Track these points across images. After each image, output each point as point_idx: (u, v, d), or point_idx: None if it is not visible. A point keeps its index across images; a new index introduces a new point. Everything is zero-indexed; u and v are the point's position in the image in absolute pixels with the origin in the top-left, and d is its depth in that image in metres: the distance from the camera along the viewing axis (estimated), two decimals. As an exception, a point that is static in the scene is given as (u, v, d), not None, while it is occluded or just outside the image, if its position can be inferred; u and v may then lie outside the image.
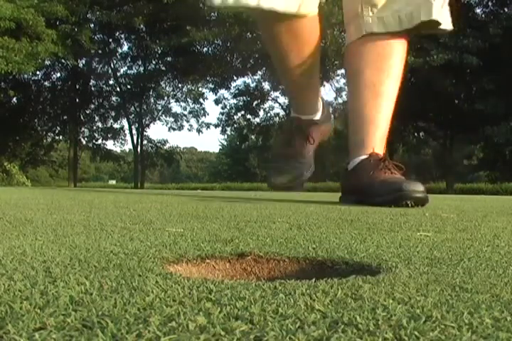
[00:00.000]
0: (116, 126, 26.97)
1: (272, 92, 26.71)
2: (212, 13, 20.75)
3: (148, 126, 26.43)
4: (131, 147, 26.55)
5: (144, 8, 21.04)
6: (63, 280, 0.49)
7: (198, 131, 28.52)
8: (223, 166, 45.69)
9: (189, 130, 38.10)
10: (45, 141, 26.32)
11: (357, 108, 2.01)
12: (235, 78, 25.26)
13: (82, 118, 25.70)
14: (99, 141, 26.74)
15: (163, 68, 25.19)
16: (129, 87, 25.76)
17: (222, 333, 0.33)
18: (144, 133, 25.97)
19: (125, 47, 28.64)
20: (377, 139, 1.97)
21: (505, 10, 20.36)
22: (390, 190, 1.80)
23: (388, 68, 1.95)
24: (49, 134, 26.44)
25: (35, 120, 25.49)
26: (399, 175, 1.92)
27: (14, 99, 24.48)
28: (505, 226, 1.20)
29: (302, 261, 0.67)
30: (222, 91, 30.34)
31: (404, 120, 22.94)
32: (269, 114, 28.54)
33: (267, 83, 26.31)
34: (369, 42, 1.96)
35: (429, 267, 0.61)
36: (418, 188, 1.80)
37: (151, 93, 26.20)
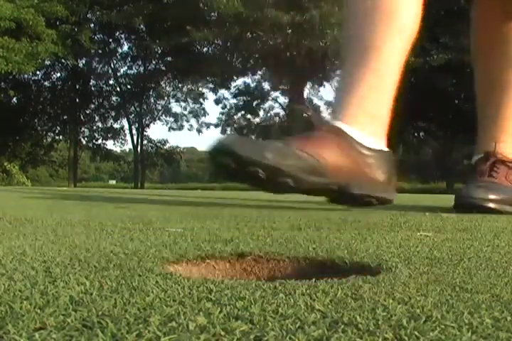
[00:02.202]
0: (116, 126, 26.99)
1: (272, 92, 26.76)
2: (213, 13, 20.75)
3: (148, 126, 26.44)
4: (131, 147, 26.58)
5: (144, 8, 21.04)
6: (63, 280, 0.49)
7: (198, 131, 28.56)
8: (223, 166, 45.49)
9: (189, 130, 38.05)
10: (45, 141, 26.31)
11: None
12: (235, 78, 25.28)
13: (82, 118, 25.70)
14: (99, 141, 26.77)
15: (163, 68, 25.19)
16: (129, 87, 25.76)
17: (222, 333, 0.33)
18: (144, 133, 25.99)
19: (125, 47, 28.63)
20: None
21: (506, 10, 20.33)
22: None
23: None
24: (49, 134, 26.43)
25: (35, 120, 25.48)
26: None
27: (14, 99, 24.49)
28: (505, 226, 1.20)
29: (302, 261, 0.68)
30: (222, 91, 30.33)
31: (404, 120, 22.96)
32: (269, 114, 28.57)
33: (266, 83, 26.36)
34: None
35: (429, 267, 0.61)
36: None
37: (151, 93, 26.20)
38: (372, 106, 1.49)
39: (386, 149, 1.52)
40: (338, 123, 1.46)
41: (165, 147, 28.03)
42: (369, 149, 1.45)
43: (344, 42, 1.71)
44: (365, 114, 1.48)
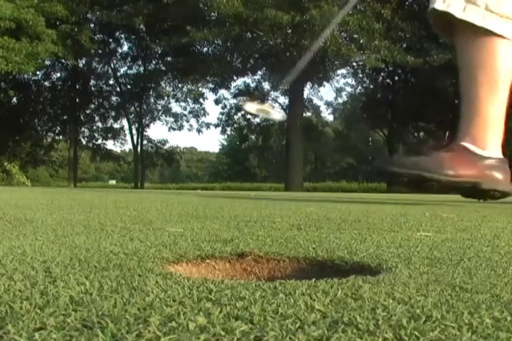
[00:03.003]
0: (116, 126, 27.06)
1: (272, 92, 26.76)
2: (213, 13, 20.75)
3: (148, 126, 26.48)
4: (131, 147, 26.61)
5: (143, 8, 21.05)
6: (63, 280, 0.49)
7: (198, 131, 28.60)
8: (223, 166, 45.69)
9: (189, 130, 38.17)
10: (45, 141, 26.34)
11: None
12: (235, 78, 25.29)
13: (82, 118, 25.73)
14: (99, 141, 26.81)
15: (163, 68, 25.21)
16: (129, 87, 25.79)
17: (222, 333, 0.33)
18: (144, 133, 26.02)
19: (125, 47, 28.72)
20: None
21: (505, 10, 20.31)
22: None
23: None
24: (49, 134, 26.47)
25: (35, 120, 25.51)
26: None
27: (14, 99, 24.50)
28: (505, 226, 1.20)
29: (302, 261, 0.68)
30: (222, 91, 30.46)
31: (404, 120, 22.98)
32: (269, 114, 28.52)
33: (266, 83, 26.37)
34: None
35: (429, 267, 0.61)
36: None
37: (151, 93, 26.23)
38: (494, 128, 1.94)
39: (502, 156, 1.97)
40: (467, 145, 1.92)
41: (165, 147, 28.09)
42: (490, 158, 1.92)
43: (478, 74, 1.99)
44: (488, 134, 1.94)
